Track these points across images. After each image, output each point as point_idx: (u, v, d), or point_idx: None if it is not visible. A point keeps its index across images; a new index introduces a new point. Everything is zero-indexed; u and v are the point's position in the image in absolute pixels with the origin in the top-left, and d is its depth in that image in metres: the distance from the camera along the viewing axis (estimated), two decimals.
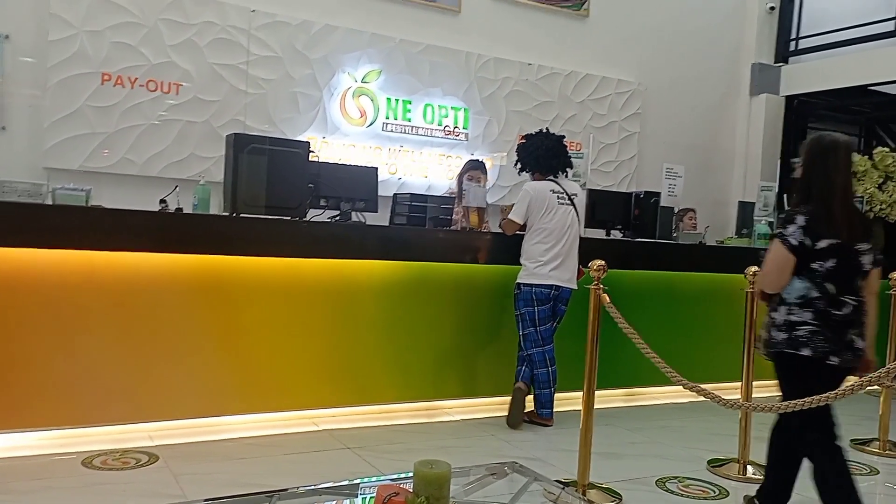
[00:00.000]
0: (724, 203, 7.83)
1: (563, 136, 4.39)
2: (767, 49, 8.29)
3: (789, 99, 8.33)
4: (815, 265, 2.64)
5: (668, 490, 3.32)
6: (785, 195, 6.26)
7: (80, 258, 3.39)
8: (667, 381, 3.03)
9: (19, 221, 3.25)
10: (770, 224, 5.62)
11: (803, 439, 2.80)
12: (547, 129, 4.39)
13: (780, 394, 2.84)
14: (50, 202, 3.45)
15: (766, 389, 5.19)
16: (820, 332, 2.64)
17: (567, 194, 4.22)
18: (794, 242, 2.63)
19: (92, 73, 5.20)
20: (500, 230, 4.36)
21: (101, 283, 3.44)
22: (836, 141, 2.75)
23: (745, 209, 6.19)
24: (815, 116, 8.97)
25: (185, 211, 3.81)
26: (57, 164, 5.08)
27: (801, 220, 2.64)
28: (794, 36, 8.32)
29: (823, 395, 2.47)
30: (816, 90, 8.03)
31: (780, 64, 8.27)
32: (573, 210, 4.21)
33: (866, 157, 6.20)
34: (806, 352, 2.65)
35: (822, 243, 2.62)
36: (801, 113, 8.65)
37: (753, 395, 3.74)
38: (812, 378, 2.63)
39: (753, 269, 3.70)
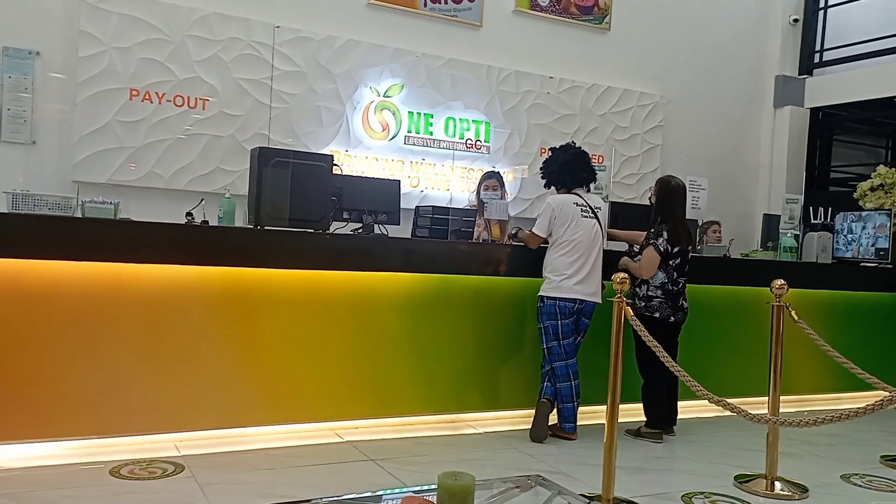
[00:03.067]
0: (749, 216, 7.76)
1: (587, 152, 4.38)
2: (791, 61, 8.24)
3: (814, 111, 8.25)
4: (670, 262, 4.23)
5: None
6: (811, 208, 6.20)
7: (108, 270, 3.44)
8: (693, 395, 3.00)
9: (50, 234, 3.31)
10: (796, 237, 5.56)
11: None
12: (573, 142, 4.40)
13: (636, 343, 4.12)
14: (79, 215, 3.51)
15: (794, 404, 5.14)
16: (664, 302, 4.23)
17: (591, 207, 4.21)
18: (662, 249, 4.21)
19: (120, 88, 5.30)
20: (521, 243, 4.35)
21: (129, 295, 3.49)
22: (678, 184, 4.37)
23: (771, 222, 6.13)
24: (841, 128, 8.89)
25: (210, 224, 3.86)
26: (86, 178, 5.16)
27: (665, 234, 4.23)
28: (818, 48, 8.25)
29: None
30: (841, 102, 7.95)
31: (805, 76, 8.21)
32: (597, 223, 4.20)
33: (893, 169, 6.12)
34: (657, 314, 4.21)
35: (675, 249, 4.22)
36: (827, 125, 8.57)
37: (781, 410, 3.68)
38: (659, 330, 3.91)
39: (780, 282, 3.66)
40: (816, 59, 8.26)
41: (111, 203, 3.61)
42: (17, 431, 3.29)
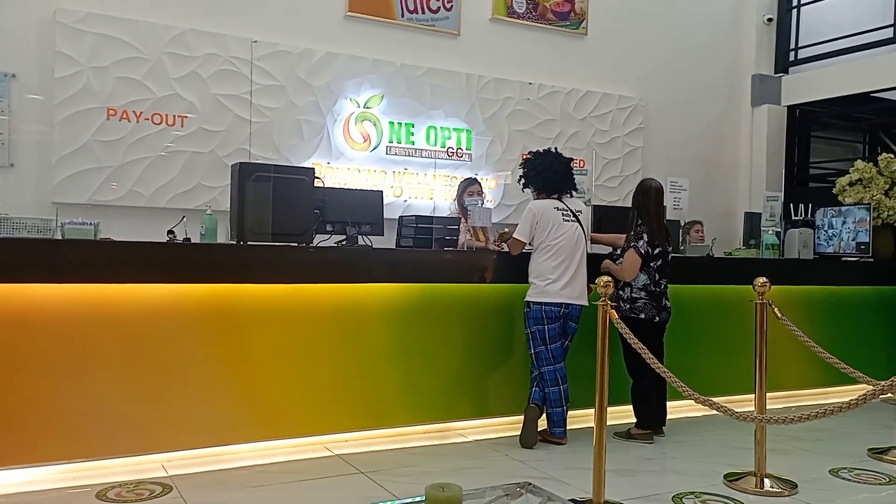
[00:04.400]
0: (731, 214, 7.82)
1: (571, 159, 4.39)
2: (767, 60, 8.33)
3: (791, 109, 8.35)
4: (652, 264, 4.26)
5: None
6: (791, 204, 6.26)
7: (90, 291, 3.41)
8: (681, 395, 3.02)
9: (29, 257, 3.27)
10: (777, 234, 5.61)
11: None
12: (556, 149, 4.37)
13: (623, 345, 4.15)
14: (59, 237, 3.48)
15: (781, 400, 5.17)
16: (649, 303, 4.26)
17: (571, 211, 4.23)
18: (643, 251, 4.24)
19: (98, 108, 5.28)
20: (504, 249, 4.36)
21: (112, 316, 3.46)
22: (652, 185, 4.40)
23: (752, 220, 6.18)
24: (819, 125, 8.99)
25: (192, 241, 3.84)
26: (65, 199, 5.13)
27: (645, 237, 4.26)
28: (792, 46, 8.35)
29: None
30: (818, 99, 8.05)
31: (781, 74, 8.31)
32: (579, 227, 4.22)
33: (871, 163, 6.19)
34: (642, 315, 4.24)
35: (656, 251, 4.25)
36: (804, 122, 8.67)
37: (768, 407, 3.71)
38: (644, 330, 4.01)
39: (762, 279, 3.69)
40: (792, 58, 8.36)
41: (91, 224, 3.59)
42: (2, 457, 3.24)
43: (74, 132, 5.21)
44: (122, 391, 3.47)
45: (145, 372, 3.52)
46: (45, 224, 3.52)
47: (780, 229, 5.76)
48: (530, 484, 2.68)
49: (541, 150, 4.36)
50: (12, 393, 3.27)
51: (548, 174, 4.23)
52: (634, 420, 4.38)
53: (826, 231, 5.83)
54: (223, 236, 4.02)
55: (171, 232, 3.84)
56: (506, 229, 4.48)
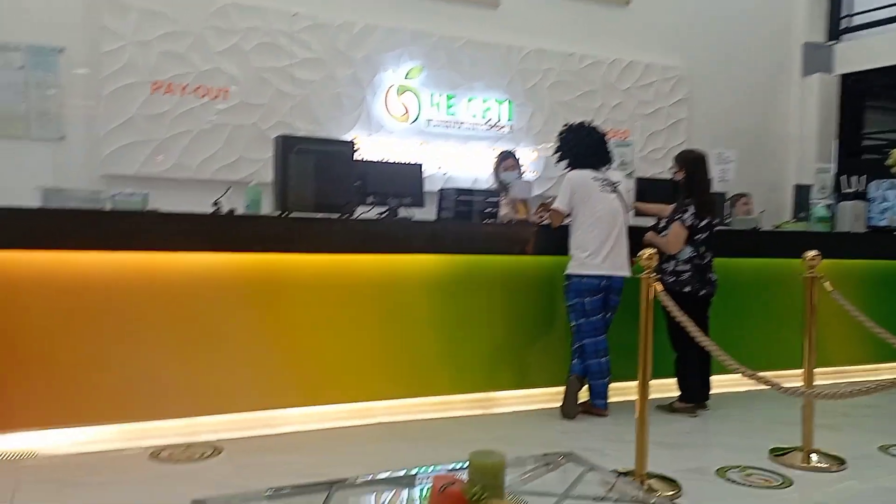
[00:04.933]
0: (779, 187, 7.62)
1: (605, 133, 4.32)
2: (819, 27, 8.04)
3: (844, 77, 8.06)
4: (697, 237, 4.19)
5: (729, 479, 3.26)
6: (841, 177, 6.08)
7: (140, 260, 3.49)
8: (726, 370, 2.97)
9: (82, 227, 3.36)
10: (828, 207, 5.45)
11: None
12: (590, 122, 4.31)
13: (666, 319, 3.96)
14: (109, 208, 3.56)
15: (829, 376, 5.07)
16: (693, 276, 4.17)
17: (610, 182, 4.17)
18: (689, 224, 4.16)
19: (143, 81, 5.36)
20: (545, 221, 4.32)
21: (162, 284, 3.54)
22: (702, 154, 4.35)
23: (802, 192, 6.02)
24: (872, 94, 8.66)
25: (237, 212, 3.89)
26: (114, 171, 5.24)
27: (691, 209, 4.18)
28: (845, 13, 8.04)
29: None
30: (872, 67, 7.75)
31: (833, 42, 8.01)
32: (618, 197, 4.16)
33: None
34: (687, 289, 4.14)
35: (702, 223, 4.18)
36: (857, 91, 8.36)
37: (816, 382, 3.63)
38: (688, 304, 3.83)
39: (812, 252, 3.60)
40: (844, 25, 8.05)
41: (139, 195, 3.66)
42: (59, 418, 3.37)
43: (121, 106, 5.30)
44: (172, 356, 3.56)
45: (193, 338, 3.60)
46: (96, 195, 3.61)
47: (831, 202, 5.60)
48: (572, 453, 2.68)
49: (574, 124, 4.29)
50: (69, 356, 3.38)
51: (580, 149, 4.18)
52: (677, 394, 4.34)
53: (879, 204, 5.64)
54: (267, 208, 4.06)
55: (216, 203, 3.89)
56: (549, 200, 4.44)
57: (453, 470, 2.31)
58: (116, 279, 3.46)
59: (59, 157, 5.18)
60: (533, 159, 6.68)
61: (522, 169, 5.41)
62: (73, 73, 5.26)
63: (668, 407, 4.30)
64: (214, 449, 3.39)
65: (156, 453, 3.32)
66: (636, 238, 4.25)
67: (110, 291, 3.45)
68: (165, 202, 4.03)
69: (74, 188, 3.62)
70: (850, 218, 5.51)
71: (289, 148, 3.82)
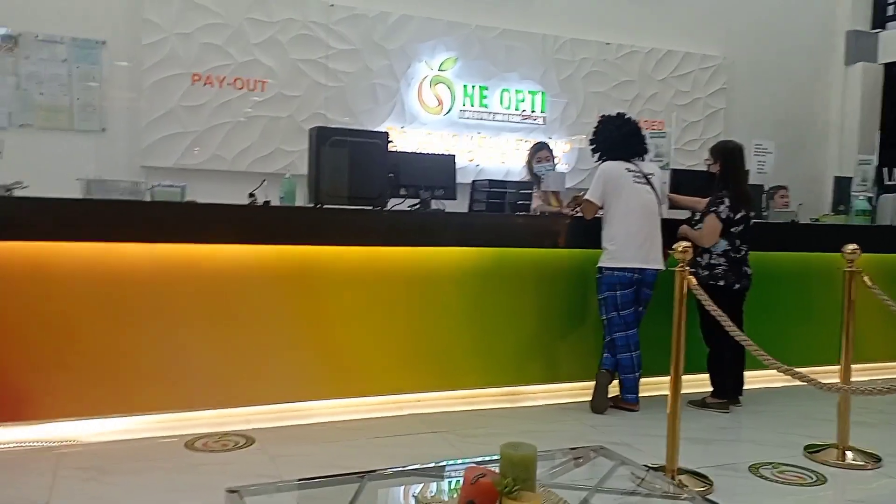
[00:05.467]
0: (819, 179, 7.46)
1: (639, 123, 4.28)
2: (863, 15, 7.83)
3: (889, 66, 7.83)
4: (732, 230, 4.13)
5: (761, 476, 3.23)
6: (886, 169, 5.92)
7: (177, 251, 3.57)
8: (759, 365, 2.94)
9: (122, 218, 3.45)
10: (869, 199, 5.32)
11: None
12: (623, 113, 4.28)
13: (700, 313, 3.92)
14: (149, 199, 3.65)
15: (867, 373, 4.97)
16: (728, 270, 4.12)
17: (643, 174, 4.13)
18: (724, 217, 4.10)
19: (183, 73, 5.45)
20: (578, 213, 4.30)
21: (198, 275, 3.62)
22: (738, 145, 4.28)
23: (842, 185, 5.88)
24: None
25: (272, 204, 3.95)
26: (154, 163, 5.35)
27: (726, 201, 4.11)
28: (891, 0, 7.81)
29: None
30: None
31: (878, 30, 7.79)
32: (651, 189, 4.12)
33: None
34: (721, 283, 4.10)
35: (738, 215, 4.11)
36: None
37: (853, 379, 3.57)
38: (723, 298, 3.64)
39: (852, 246, 3.54)
40: (890, 12, 7.82)
41: (178, 186, 3.73)
42: (97, 408, 3.47)
43: (161, 97, 5.40)
44: (207, 347, 3.64)
45: (229, 329, 3.68)
46: (136, 186, 3.69)
47: (872, 195, 5.47)
48: (603, 447, 2.68)
49: (608, 116, 4.26)
50: (107, 346, 3.47)
51: (612, 140, 4.15)
52: (709, 389, 4.30)
53: None
54: (301, 199, 4.11)
55: (251, 195, 3.96)
56: (581, 193, 4.42)
57: (484, 462, 2.33)
58: (154, 270, 3.54)
59: (101, 149, 5.30)
60: (566, 151, 6.65)
61: (556, 161, 5.38)
62: (115, 65, 5.37)
63: (700, 402, 4.26)
64: (247, 439, 3.47)
65: (191, 442, 3.40)
66: (671, 231, 4.22)
67: (148, 282, 3.53)
68: (202, 194, 4.11)
69: (115, 179, 3.70)
70: (892, 211, 5.38)
71: (323, 140, 3.86)
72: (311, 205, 3.85)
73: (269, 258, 3.74)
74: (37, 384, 3.36)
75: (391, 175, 4.06)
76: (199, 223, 3.58)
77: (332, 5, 5.86)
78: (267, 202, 3.92)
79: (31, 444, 3.32)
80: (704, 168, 4.49)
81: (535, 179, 4.98)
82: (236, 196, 4.01)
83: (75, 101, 5.27)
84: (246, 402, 3.73)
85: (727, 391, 4.26)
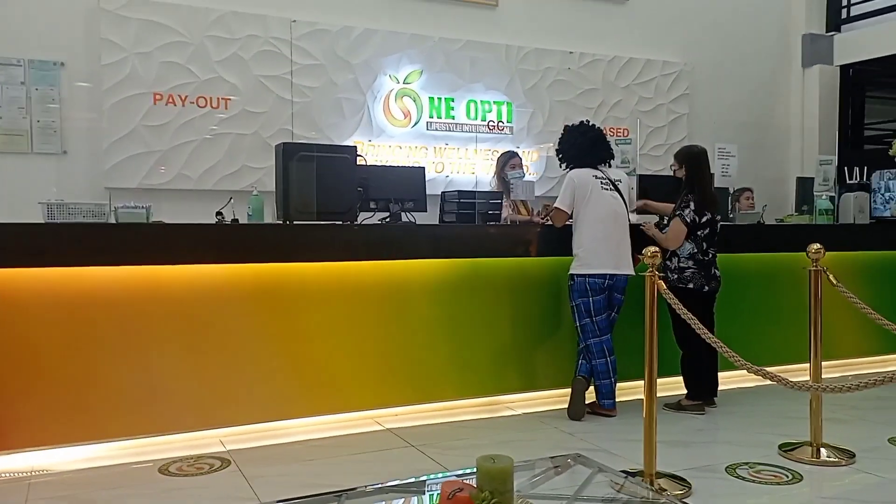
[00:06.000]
0: (782, 180, 7.61)
1: (602, 128, 4.34)
2: (818, 18, 8.02)
3: (844, 68, 8.03)
4: (699, 233, 4.19)
5: (739, 476, 3.25)
6: (846, 168, 6.04)
7: (145, 273, 3.51)
8: (733, 366, 2.97)
9: (86, 241, 3.38)
10: (831, 199, 5.44)
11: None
12: (586, 120, 4.34)
13: (671, 316, 3.94)
14: (113, 221, 3.58)
15: (837, 369, 5.05)
16: (697, 272, 4.17)
17: (610, 180, 4.17)
18: (689, 220, 4.17)
19: (144, 93, 5.37)
20: (548, 222, 4.33)
21: (167, 296, 3.56)
22: (702, 149, 4.36)
23: (805, 185, 6.00)
24: (874, 84, 8.63)
25: (240, 221, 3.91)
26: (117, 184, 5.26)
27: (692, 205, 4.18)
28: (844, 3, 8.02)
29: None
30: (872, 57, 7.72)
31: (833, 33, 7.99)
32: (619, 196, 4.16)
33: None
34: (690, 285, 4.16)
35: (703, 218, 4.18)
36: (858, 82, 8.33)
37: (824, 376, 3.63)
38: (693, 300, 3.80)
39: (816, 246, 3.60)
40: (844, 15, 8.03)
41: (143, 207, 3.67)
42: (68, 435, 3.39)
43: (123, 118, 5.32)
44: (179, 369, 3.58)
45: (200, 350, 3.62)
46: (100, 209, 3.62)
47: (833, 194, 5.59)
48: (581, 455, 2.68)
49: (572, 125, 4.32)
50: (75, 373, 3.39)
51: (577, 147, 4.20)
52: (684, 391, 4.33)
53: (883, 194, 5.63)
54: (269, 216, 4.07)
55: (219, 213, 3.91)
56: (548, 204, 4.45)
57: (461, 476, 2.31)
58: (121, 293, 3.47)
59: (62, 172, 5.20)
60: (534, 160, 6.69)
61: (525, 169, 5.41)
62: (74, 86, 5.28)
63: (675, 405, 4.29)
64: (223, 461, 3.41)
65: (165, 467, 3.33)
66: (639, 236, 4.26)
67: (115, 306, 3.46)
68: (169, 214, 4.06)
69: (77, 202, 3.63)
70: (854, 209, 5.50)
71: (290, 155, 3.83)
72: (280, 221, 3.82)
73: (238, 277, 3.69)
74: (4, 414, 3.27)
75: (360, 189, 4.04)
76: (166, 244, 3.53)
77: (295, 21, 5.84)
78: (235, 220, 3.88)
79: (0, 475, 3.23)
80: (670, 173, 4.54)
81: (505, 189, 5.00)
82: (203, 215, 3.96)
83: (35, 123, 5.17)
84: (220, 423, 3.67)
85: (702, 392, 4.30)
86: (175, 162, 5.46)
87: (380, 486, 2.61)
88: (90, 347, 3.42)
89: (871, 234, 5.46)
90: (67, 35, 5.26)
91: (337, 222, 3.88)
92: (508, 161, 5.18)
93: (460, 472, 2.43)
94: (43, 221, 3.45)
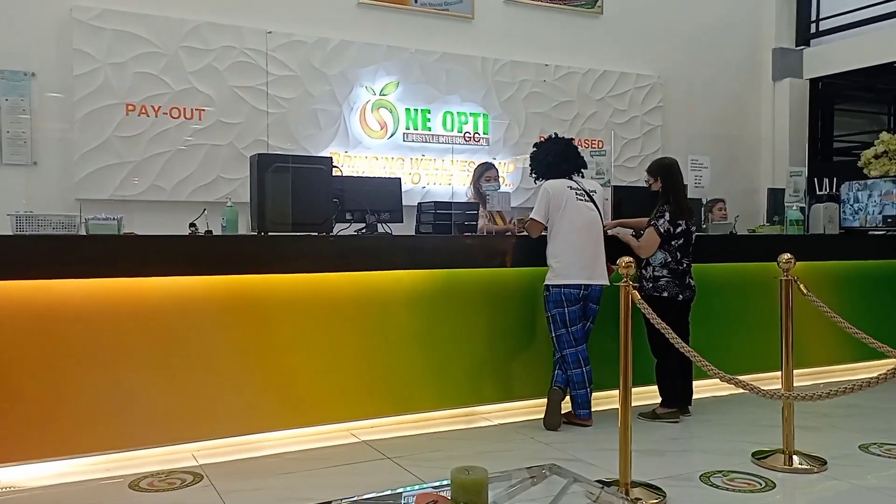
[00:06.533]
0: (754, 191, 7.72)
1: (573, 139, 4.39)
2: (788, 33, 8.19)
3: (814, 82, 8.20)
4: (673, 242, 4.23)
5: (713, 485, 3.28)
6: (815, 179, 6.16)
7: (116, 286, 3.46)
8: (706, 374, 3.00)
9: (55, 253, 3.32)
10: (801, 209, 5.53)
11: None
12: (556, 133, 4.40)
13: (646, 325, 3.97)
14: (84, 233, 3.53)
15: (809, 377, 5.12)
16: (671, 282, 4.22)
17: (585, 191, 4.21)
18: (663, 230, 4.22)
19: (117, 104, 5.33)
20: (524, 233, 4.35)
21: (138, 309, 3.51)
22: (674, 160, 4.44)
23: (776, 196, 6.10)
24: (842, 97, 8.83)
25: (214, 233, 3.87)
26: (88, 195, 5.19)
27: (667, 215, 4.23)
28: (814, 18, 8.19)
29: None
30: (841, 71, 7.90)
31: (802, 47, 8.15)
32: (594, 206, 4.20)
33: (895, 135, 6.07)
34: (665, 294, 4.21)
35: (678, 229, 4.22)
36: (827, 95, 8.52)
37: (796, 384, 3.67)
38: (668, 309, 3.93)
39: (787, 255, 3.65)
40: (813, 30, 8.20)
41: (114, 219, 3.63)
42: (37, 451, 3.31)
43: (95, 129, 5.27)
44: (152, 383, 3.52)
45: (173, 363, 3.57)
46: (70, 220, 3.57)
47: (804, 205, 5.68)
48: (556, 465, 2.68)
49: (541, 141, 4.38)
50: (45, 388, 3.33)
51: (549, 159, 4.24)
52: (659, 400, 4.36)
53: (852, 205, 5.74)
54: (244, 228, 4.04)
55: (192, 225, 3.88)
56: (522, 218, 4.48)
57: (437, 488, 2.30)
58: (92, 306, 3.42)
59: (33, 183, 5.13)
60: (510, 171, 6.72)
61: (501, 181, 5.44)
62: (45, 96, 5.22)
63: (650, 413, 4.32)
64: (195, 476, 3.35)
65: (136, 482, 3.27)
66: (615, 246, 4.29)
67: (86, 319, 3.41)
68: (141, 225, 4.02)
69: (47, 213, 3.57)
70: (824, 220, 5.59)
71: (265, 166, 3.81)
72: (255, 233, 3.79)
73: (212, 289, 3.65)
74: None
75: (336, 200, 4.03)
76: (139, 256, 3.48)
77: (270, 32, 5.83)
78: (209, 232, 3.85)
79: None
80: (645, 184, 4.59)
81: (482, 199, 5.01)
82: (177, 227, 3.92)
83: (5, 134, 5.10)
84: (193, 437, 3.61)
85: (676, 401, 4.33)
86: (148, 173, 5.41)
87: (355, 499, 2.60)
88: (60, 361, 3.36)
89: (841, 244, 5.55)
90: (39, 45, 5.21)
91: (312, 233, 3.86)
92: (484, 173, 5.20)
93: (436, 484, 2.42)
94: (11, 233, 3.39)
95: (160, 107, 5.46)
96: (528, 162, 4.38)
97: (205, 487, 3.22)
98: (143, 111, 5.41)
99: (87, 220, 3.58)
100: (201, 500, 3.09)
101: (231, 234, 3.92)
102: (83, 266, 3.36)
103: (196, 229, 3.85)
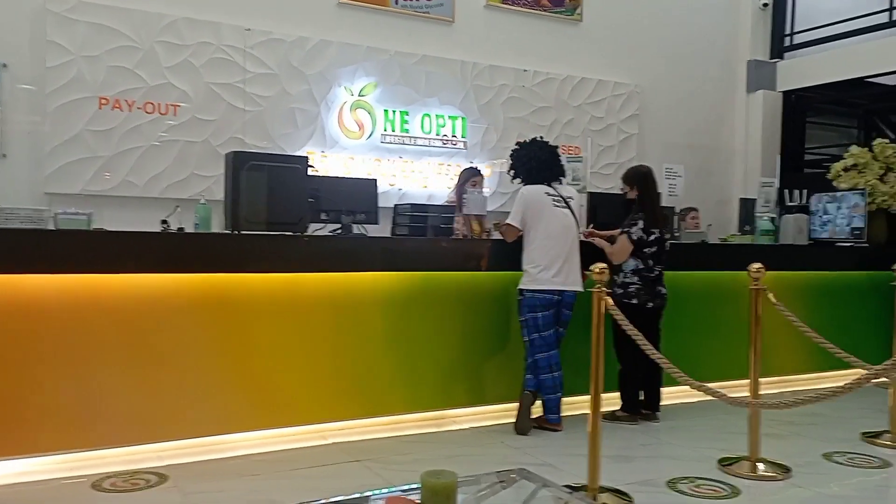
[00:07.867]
0: (726, 201, 7.83)
1: (557, 147, 4.39)
2: (762, 46, 8.32)
3: (787, 94, 8.34)
4: (645, 250, 4.28)
5: (679, 491, 3.31)
6: (786, 190, 6.25)
7: (84, 282, 3.40)
8: (674, 381, 3.03)
9: (23, 248, 3.26)
10: (772, 220, 5.61)
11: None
12: (541, 137, 4.39)
13: (613, 329, 3.92)
14: (52, 227, 3.47)
15: (776, 385, 5.19)
16: (642, 289, 4.27)
17: (562, 197, 4.22)
18: (635, 238, 4.27)
19: (90, 97, 5.25)
20: (500, 237, 4.36)
21: (107, 306, 3.45)
22: (649, 169, 4.48)
23: (747, 206, 6.18)
24: (814, 110, 8.98)
25: (186, 230, 3.83)
26: (58, 189, 5.11)
27: (640, 223, 4.29)
28: (788, 31, 8.34)
29: None
30: (813, 84, 8.04)
31: (776, 60, 8.29)
32: (570, 213, 4.22)
33: (866, 149, 6.19)
34: (634, 301, 4.24)
35: (651, 237, 4.28)
36: (799, 107, 8.66)
37: (762, 392, 3.72)
38: (637, 316, 3.67)
39: (757, 265, 3.70)
40: (787, 43, 8.35)
41: (84, 214, 3.57)
42: None
43: (67, 122, 5.18)
44: (118, 381, 3.47)
45: (140, 362, 3.52)
46: (38, 214, 3.51)
47: (775, 215, 5.77)
48: (525, 470, 2.69)
49: (526, 140, 4.35)
50: (8, 384, 3.26)
51: (533, 164, 4.24)
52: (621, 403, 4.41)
53: (821, 217, 5.83)
54: (217, 226, 4.00)
55: (164, 222, 3.83)
56: (498, 222, 4.48)
57: (406, 491, 2.29)
58: (60, 302, 3.36)
59: (1, 176, 5.03)
60: (487, 175, 6.73)
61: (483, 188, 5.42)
62: (16, 88, 5.13)
63: (610, 414, 4.33)
64: (160, 476, 3.31)
65: (98, 483, 3.21)
66: (588, 253, 4.31)
67: (53, 315, 3.34)
68: (112, 221, 3.95)
69: (15, 207, 3.50)
70: (794, 231, 5.68)
71: (240, 164, 3.77)
72: (228, 231, 3.75)
73: (183, 287, 3.61)
74: None
75: (311, 200, 4.01)
76: (108, 252, 3.43)
77: (249, 30, 5.79)
78: (181, 229, 3.80)
79: None
80: (620, 191, 4.62)
81: (462, 203, 5.00)
82: (149, 223, 3.87)
83: None
84: (159, 437, 3.56)
85: (635, 408, 4.38)
86: (121, 168, 5.34)
87: (323, 501, 2.57)
88: (24, 357, 3.30)
89: (810, 255, 5.64)
90: (11, 36, 5.12)
91: (287, 233, 3.84)
92: (470, 178, 5.19)
93: (405, 487, 2.41)
94: None
95: (134, 101, 5.39)
96: (510, 159, 4.37)
97: (169, 488, 3.18)
98: (117, 105, 5.34)
99: (56, 215, 3.51)
100: (165, 501, 3.05)
101: (204, 231, 3.87)
102: (51, 261, 3.30)
103: (168, 226, 3.80)
